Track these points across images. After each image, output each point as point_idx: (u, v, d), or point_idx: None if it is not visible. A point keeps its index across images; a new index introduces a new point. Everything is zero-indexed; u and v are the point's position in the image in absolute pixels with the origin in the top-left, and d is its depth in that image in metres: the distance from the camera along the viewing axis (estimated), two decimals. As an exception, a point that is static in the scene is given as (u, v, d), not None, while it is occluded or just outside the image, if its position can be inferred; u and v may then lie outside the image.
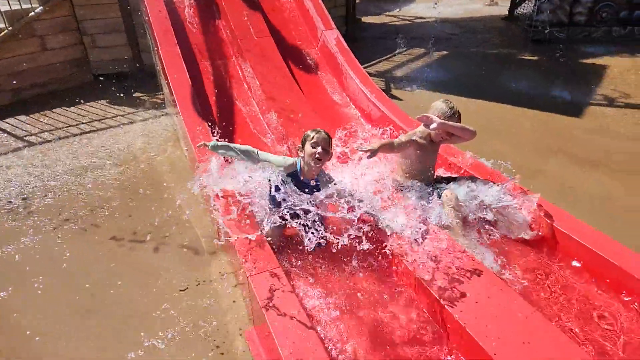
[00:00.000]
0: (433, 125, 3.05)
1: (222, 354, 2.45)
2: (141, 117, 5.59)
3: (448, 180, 3.36)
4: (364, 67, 5.40)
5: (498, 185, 3.11)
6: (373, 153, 2.91)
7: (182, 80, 4.56)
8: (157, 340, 2.51)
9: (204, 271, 3.07)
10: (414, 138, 3.23)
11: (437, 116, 3.13)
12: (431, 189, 3.22)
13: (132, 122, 5.45)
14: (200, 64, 5.20)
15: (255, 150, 2.90)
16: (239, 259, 2.62)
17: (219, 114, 4.75)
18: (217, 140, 3.15)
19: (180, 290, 2.88)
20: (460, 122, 3.17)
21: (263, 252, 2.64)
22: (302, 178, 2.83)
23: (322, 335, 2.27)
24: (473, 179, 3.26)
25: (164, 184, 4.09)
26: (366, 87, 4.92)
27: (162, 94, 5.79)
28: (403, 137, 3.25)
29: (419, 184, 3.27)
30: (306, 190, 2.78)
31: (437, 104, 3.21)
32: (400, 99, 6.11)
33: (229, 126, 4.63)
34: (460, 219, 2.94)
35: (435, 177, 3.42)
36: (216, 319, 2.67)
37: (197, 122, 4.08)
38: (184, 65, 4.71)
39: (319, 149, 2.71)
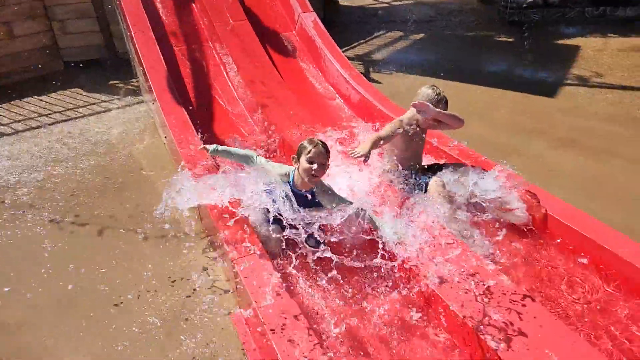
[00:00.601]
0: (424, 115, 3.10)
1: (208, 343, 2.45)
2: (116, 105, 5.45)
3: (436, 167, 3.37)
4: (343, 51, 5.38)
5: (485, 173, 3.14)
6: (366, 157, 2.91)
7: (157, 67, 4.46)
8: (144, 327, 2.50)
9: (188, 256, 3.05)
10: (401, 126, 3.20)
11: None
12: (419, 178, 3.22)
13: (107, 111, 5.32)
14: (175, 49, 5.09)
15: (254, 155, 2.82)
16: (224, 243, 2.61)
17: (197, 100, 4.68)
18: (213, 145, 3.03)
19: (167, 277, 2.86)
20: (447, 108, 3.19)
21: (248, 236, 2.64)
22: (295, 189, 2.69)
23: (308, 315, 2.29)
24: (460, 166, 3.28)
25: (143, 172, 4.02)
26: (346, 70, 4.91)
27: (137, 81, 5.65)
28: (389, 127, 3.20)
29: (406, 172, 3.28)
30: (300, 200, 2.64)
31: (424, 90, 3.20)
32: (380, 82, 6.11)
33: (207, 113, 4.57)
34: (449, 205, 2.96)
35: (423, 165, 3.42)
36: (203, 303, 2.67)
37: (175, 109, 4.01)
38: (159, 51, 4.61)
39: (315, 166, 2.55)
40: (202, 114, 4.51)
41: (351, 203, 2.67)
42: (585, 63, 7.01)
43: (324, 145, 2.60)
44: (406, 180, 3.25)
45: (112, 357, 2.36)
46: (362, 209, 2.61)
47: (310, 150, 2.54)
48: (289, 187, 2.69)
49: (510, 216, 3.01)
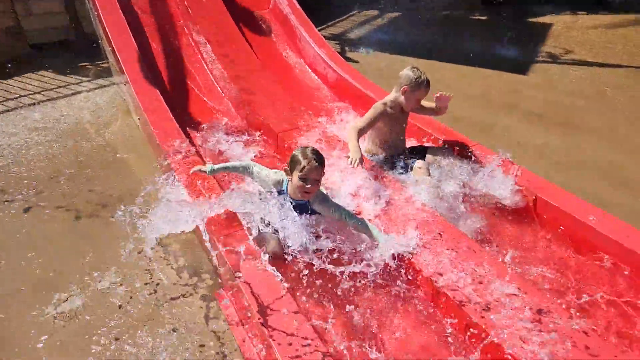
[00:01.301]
0: (439, 103, 3.27)
1: (194, 323, 2.47)
2: (86, 87, 5.29)
3: (420, 150, 3.40)
4: (318, 30, 5.33)
5: (470, 159, 3.21)
6: (360, 161, 2.91)
7: (128, 47, 4.35)
8: (128, 309, 2.49)
9: (169, 237, 3.03)
10: (383, 110, 3.18)
11: (404, 87, 3.14)
12: (403, 162, 3.25)
13: (76, 93, 5.16)
14: (146, 28, 4.95)
15: (251, 164, 2.66)
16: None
17: (170, 80, 4.59)
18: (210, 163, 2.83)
19: (146, 257, 2.84)
20: (429, 89, 3.18)
21: (229, 215, 2.64)
22: (289, 198, 2.56)
23: (293, 291, 2.32)
24: (444, 149, 3.32)
25: (118, 155, 3.94)
26: (322, 49, 4.88)
27: (107, 62, 5.49)
28: (371, 113, 3.18)
29: (390, 155, 3.30)
30: (296, 209, 2.54)
31: (406, 73, 3.17)
32: (356, 61, 6.10)
33: (181, 93, 4.49)
34: (434, 186, 3.00)
35: (407, 147, 3.44)
36: (186, 283, 2.67)
37: (148, 90, 3.93)
38: (129, 31, 4.48)
39: (308, 186, 2.39)
40: (176, 94, 4.43)
41: (348, 211, 2.54)
42: (556, 40, 7.15)
43: (318, 157, 2.40)
44: (390, 164, 3.27)
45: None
46: (361, 218, 2.52)
47: (304, 167, 2.35)
48: (284, 195, 2.57)
49: (502, 198, 3.02)
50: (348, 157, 2.95)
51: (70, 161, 3.86)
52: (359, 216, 2.58)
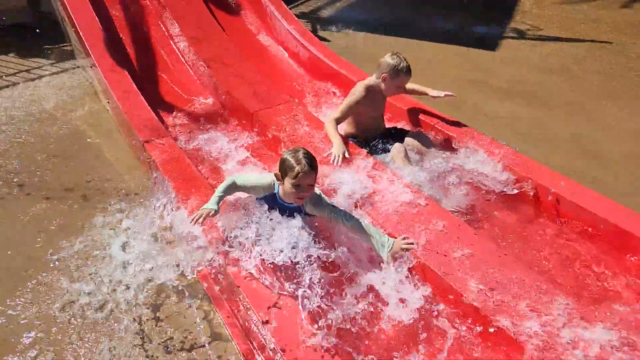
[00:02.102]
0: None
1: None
2: (49, 71, 5.07)
3: (398, 132, 3.41)
4: (288, 8, 5.25)
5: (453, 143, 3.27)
6: (344, 155, 2.93)
7: (92, 28, 4.19)
8: (108, 297, 2.48)
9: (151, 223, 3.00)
10: (362, 97, 3.16)
11: (384, 74, 3.11)
12: (381, 144, 3.26)
13: (39, 77, 4.94)
14: (110, 9, 4.77)
15: (233, 179, 2.41)
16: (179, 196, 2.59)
17: (138, 61, 4.47)
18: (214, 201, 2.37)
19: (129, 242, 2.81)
20: (410, 75, 3.15)
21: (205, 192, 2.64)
22: (281, 202, 2.41)
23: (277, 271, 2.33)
24: (423, 135, 3.34)
25: (88, 140, 3.83)
26: (293, 27, 4.82)
27: (69, 44, 5.26)
28: (350, 101, 3.17)
29: (369, 137, 3.31)
30: (287, 212, 2.42)
31: (386, 60, 3.11)
32: (328, 40, 6.06)
33: (150, 73, 4.38)
34: (411, 169, 3.04)
35: (385, 129, 3.45)
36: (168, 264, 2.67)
37: (117, 71, 3.82)
38: (92, 10, 4.30)
39: (301, 193, 2.26)
40: (145, 75, 4.32)
41: (344, 212, 2.41)
42: (524, 16, 7.28)
43: (310, 162, 2.24)
44: (368, 147, 3.27)
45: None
46: (359, 219, 2.40)
47: (297, 173, 2.19)
48: (276, 200, 2.42)
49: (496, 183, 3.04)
50: (331, 153, 2.97)
51: (38, 148, 3.72)
52: (356, 217, 2.42)
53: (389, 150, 3.19)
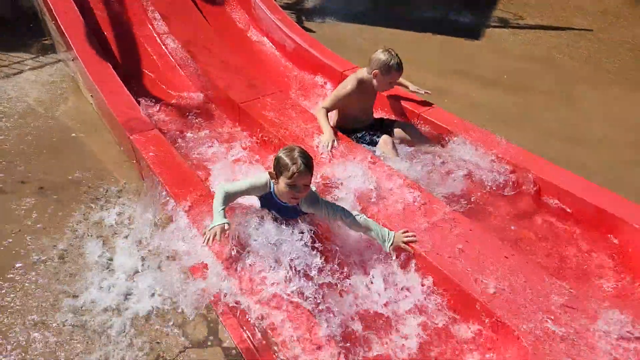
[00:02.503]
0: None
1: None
2: (29, 65, 4.97)
3: (385, 123, 3.42)
4: None
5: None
6: (334, 143, 2.97)
7: (74, 21, 4.12)
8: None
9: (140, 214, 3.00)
10: (353, 89, 3.16)
11: (375, 71, 3.10)
12: (369, 136, 3.27)
13: (19, 73, 4.84)
14: (91, 1, 4.68)
15: (224, 190, 2.28)
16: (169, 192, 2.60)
17: (122, 54, 4.41)
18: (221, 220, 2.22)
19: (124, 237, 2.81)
20: (402, 71, 3.14)
21: (196, 185, 2.64)
22: (278, 200, 2.34)
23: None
24: (411, 126, 3.37)
25: (73, 135, 3.79)
26: (278, 17, 4.80)
27: (50, 39, 5.16)
28: (341, 92, 3.17)
29: (357, 128, 3.34)
30: (284, 211, 2.37)
31: (378, 56, 3.08)
32: (313, 31, 6.05)
33: (134, 67, 4.33)
34: (398, 159, 3.08)
35: (373, 119, 3.46)
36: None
37: (100, 65, 3.76)
38: (72, 2, 4.23)
39: (297, 193, 2.20)
40: (129, 68, 4.27)
41: (342, 208, 2.36)
42: (507, 5, 7.35)
43: (306, 160, 2.15)
44: (356, 138, 3.28)
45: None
46: (358, 214, 2.36)
47: (293, 173, 2.11)
48: (273, 198, 2.35)
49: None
50: (320, 142, 2.99)
51: (22, 144, 3.67)
52: (354, 212, 2.36)
53: (376, 143, 3.22)
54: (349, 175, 2.75)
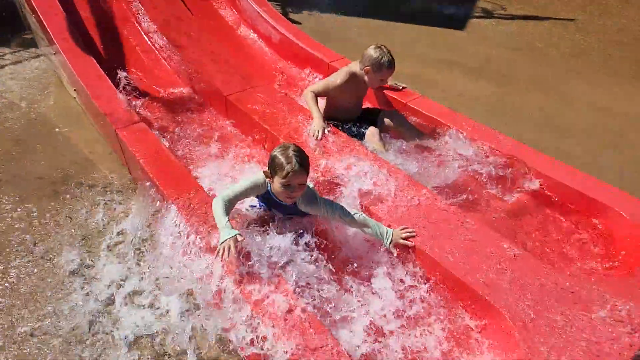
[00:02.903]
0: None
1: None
2: (9, 60, 4.87)
3: (373, 114, 3.41)
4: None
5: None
6: (323, 131, 2.97)
7: (56, 15, 4.03)
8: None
9: (127, 208, 2.98)
10: (345, 82, 3.17)
11: (367, 67, 3.08)
12: (357, 128, 3.27)
13: (0, 67, 4.75)
14: (72, -7, 4.59)
15: (221, 199, 2.19)
16: (160, 188, 2.58)
17: (105, 48, 4.34)
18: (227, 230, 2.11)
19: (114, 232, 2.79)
20: (394, 68, 3.12)
21: (184, 177, 2.63)
22: (275, 199, 2.31)
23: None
24: (398, 114, 3.37)
25: (56, 129, 3.73)
26: (263, 9, 4.77)
27: (31, 33, 5.06)
28: (332, 82, 3.17)
29: (345, 120, 3.33)
30: (283, 209, 2.36)
31: (370, 53, 3.06)
32: (299, 23, 6.03)
33: (119, 60, 4.27)
34: (384, 149, 3.10)
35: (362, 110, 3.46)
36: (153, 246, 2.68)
37: (84, 59, 3.69)
38: (54, -5, 4.14)
39: (292, 193, 2.17)
40: (112, 61, 4.21)
41: (340, 206, 2.32)
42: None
43: (301, 159, 2.12)
44: (346, 129, 3.28)
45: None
46: (357, 212, 2.33)
47: (287, 172, 2.08)
48: (271, 197, 2.32)
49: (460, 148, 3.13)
50: (311, 129, 2.99)
51: (5, 139, 3.61)
52: (353, 210, 2.33)
53: (363, 134, 3.22)
54: (344, 168, 2.75)
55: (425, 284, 2.22)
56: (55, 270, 2.54)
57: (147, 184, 2.69)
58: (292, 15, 6.38)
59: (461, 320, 2.11)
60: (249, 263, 2.05)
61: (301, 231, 2.30)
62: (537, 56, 5.43)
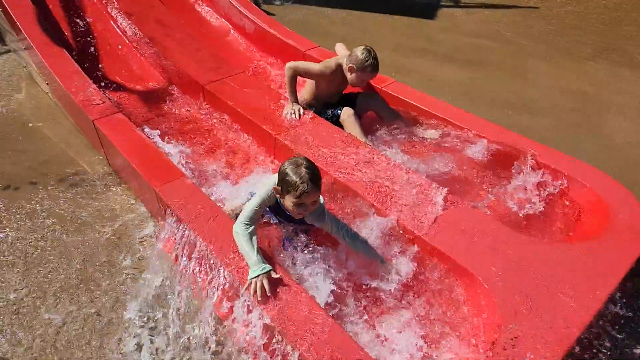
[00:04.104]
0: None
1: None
2: (-24, 57, 4.75)
3: (352, 97, 3.44)
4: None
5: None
6: (299, 111, 3.08)
7: (24, 8, 3.96)
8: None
9: (103, 200, 2.98)
10: (330, 72, 3.20)
11: (351, 65, 3.10)
12: (333, 110, 3.31)
13: (-34, 65, 4.62)
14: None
15: (244, 220, 2.08)
16: (141, 175, 2.60)
17: (76, 41, 4.28)
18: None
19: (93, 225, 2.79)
20: (377, 69, 3.15)
21: (164, 164, 2.65)
22: (283, 210, 2.24)
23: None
24: (375, 96, 3.43)
25: (30, 125, 3.68)
26: (237, 1, 4.78)
27: (-3, 29, 4.94)
28: (315, 69, 3.18)
29: (324, 104, 3.37)
30: (288, 219, 2.31)
31: (356, 53, 3.09)
32: (273, 14, 6.04)
33: (92, 53, 4.23)
34: (360, 129, 3.16)
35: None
36: (135, 236, 2.71)
37: (54, 50, 3.65)
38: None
39: (304, 211, 2.09)
40: (86, 55, 4.16)
41: (347, 227, 2.26)
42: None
43: (314, 176, 2.01)
44: (324, 113, 3.34)
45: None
46: (363, 239, 2.26)
47: (301, 193, 1.97)
48: (280, 208, 2.25)
49: (425, 134, 3.28)
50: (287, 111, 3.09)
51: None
52: (358, 235, 2.28)
53: (339, 115, 3.26)
54: (320, 151, 2.83)
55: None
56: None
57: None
58: (264, 7, 6.39)
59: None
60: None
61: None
62: (504, 42, 5.62)
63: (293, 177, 1.98)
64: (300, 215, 2.14)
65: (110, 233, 2.74)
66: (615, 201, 2.53)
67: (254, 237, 2.05)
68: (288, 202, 2.05)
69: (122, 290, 2.42)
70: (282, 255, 2.29)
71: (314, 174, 2.01)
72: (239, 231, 2.05)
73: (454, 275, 2.20)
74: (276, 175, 2.12)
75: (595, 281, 2.08)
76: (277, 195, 2.12)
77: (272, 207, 2.28)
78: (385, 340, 2.06)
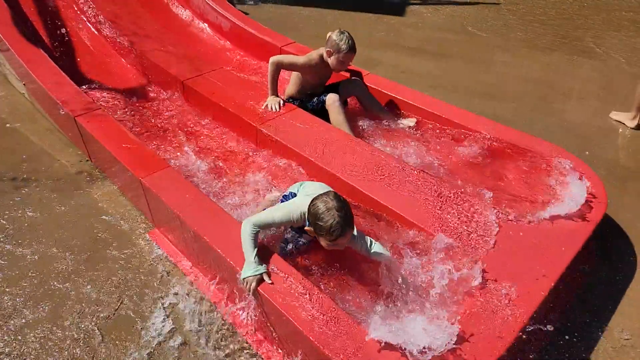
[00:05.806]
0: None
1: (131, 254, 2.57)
2: (-55, 61, 4.65)
3: (335, 86, 3.53)
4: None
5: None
6: (280, 103, 3.19)
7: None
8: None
9: (87, 195, 3.02)
10: (313, 64, 3.27)
11: (329, 50, 3.18)
12: (318, 98, 3.39)
13: None
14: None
15: (255, 222, 2.08)
16: (127, 169, 2.66)
17: (51, 40, 4.28)
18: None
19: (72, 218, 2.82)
20: (355, 52, 3.23)
21: (150, 156, 2.72)
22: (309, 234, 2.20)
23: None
24: (356, 81, 3.56)
25: (7, 125, 3.66)
26: (212, 1, 4.85)
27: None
28: (300, 61, 3.25)
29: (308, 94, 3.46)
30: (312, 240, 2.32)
31: (331, 37, 3.17)
32: (246, 13, 6.13)
33: (67, 51, 4.23)
34: (344, 116, 3.27)
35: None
36: (116, 230, 2.75)
37: (31, 49, 3.66)
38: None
39: (339, 248, 2.09)
40: (63, 55, 4.17)
41: (371, 241, 2.19)
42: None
43: (346, 218, 1.97)
44: (309, 102, 3.43)
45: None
46: (381, 252, 2.18)
47: (336, 237, 1.96)
48: (303, 230, 2.19)
49: (402, 123, 3.45)
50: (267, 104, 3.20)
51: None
52: (381, 247, 2.21)
53: (323, 102, 3.33)
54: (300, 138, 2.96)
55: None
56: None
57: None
58: (238, 7, 6.47)
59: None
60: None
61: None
62: (469, 36, 5.88)
63: (326, 223, 1.95)
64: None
65: (96, 228, 2.78)
66: (571, 171, 2.74)
67: (256, 239, 2.06)
68: (323, 242, 2.05)
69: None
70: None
71: (346, 215, 1.98)
72: (247, 230, 2.05)
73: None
74: (307, 199, 2.10)
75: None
76: (306, 227, 2.10)
77: (298, 230, 2.31)
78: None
